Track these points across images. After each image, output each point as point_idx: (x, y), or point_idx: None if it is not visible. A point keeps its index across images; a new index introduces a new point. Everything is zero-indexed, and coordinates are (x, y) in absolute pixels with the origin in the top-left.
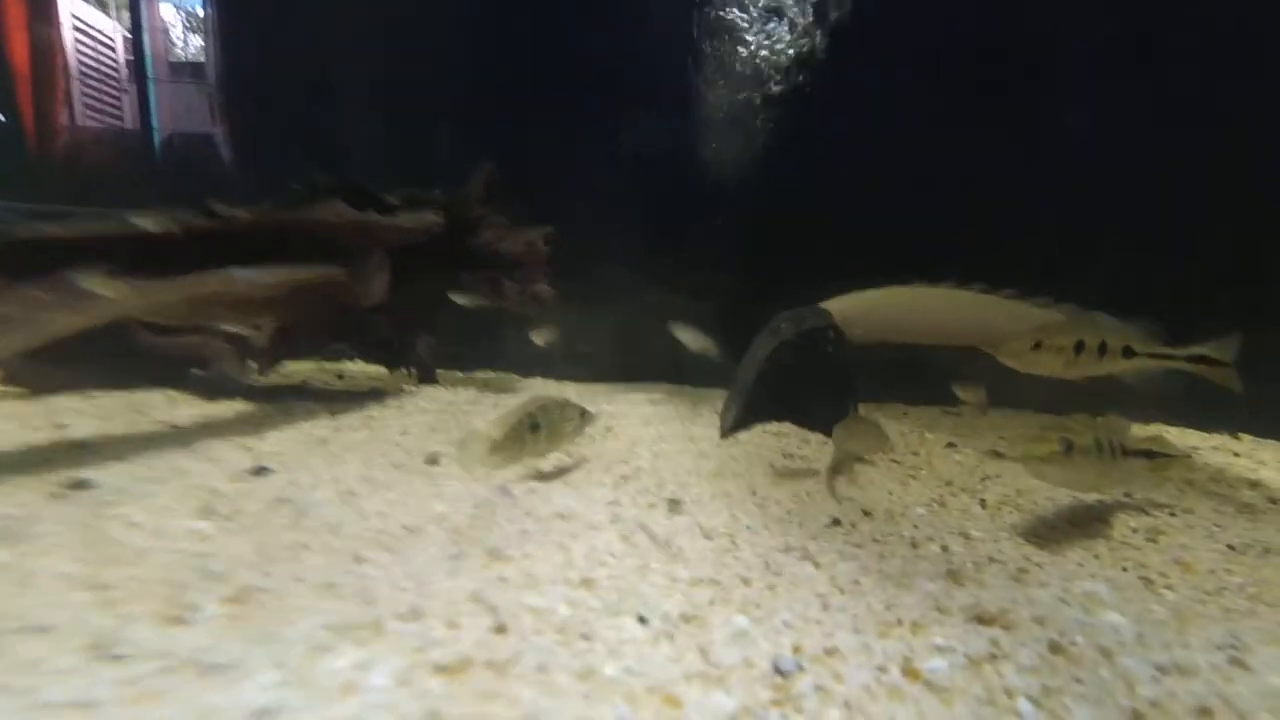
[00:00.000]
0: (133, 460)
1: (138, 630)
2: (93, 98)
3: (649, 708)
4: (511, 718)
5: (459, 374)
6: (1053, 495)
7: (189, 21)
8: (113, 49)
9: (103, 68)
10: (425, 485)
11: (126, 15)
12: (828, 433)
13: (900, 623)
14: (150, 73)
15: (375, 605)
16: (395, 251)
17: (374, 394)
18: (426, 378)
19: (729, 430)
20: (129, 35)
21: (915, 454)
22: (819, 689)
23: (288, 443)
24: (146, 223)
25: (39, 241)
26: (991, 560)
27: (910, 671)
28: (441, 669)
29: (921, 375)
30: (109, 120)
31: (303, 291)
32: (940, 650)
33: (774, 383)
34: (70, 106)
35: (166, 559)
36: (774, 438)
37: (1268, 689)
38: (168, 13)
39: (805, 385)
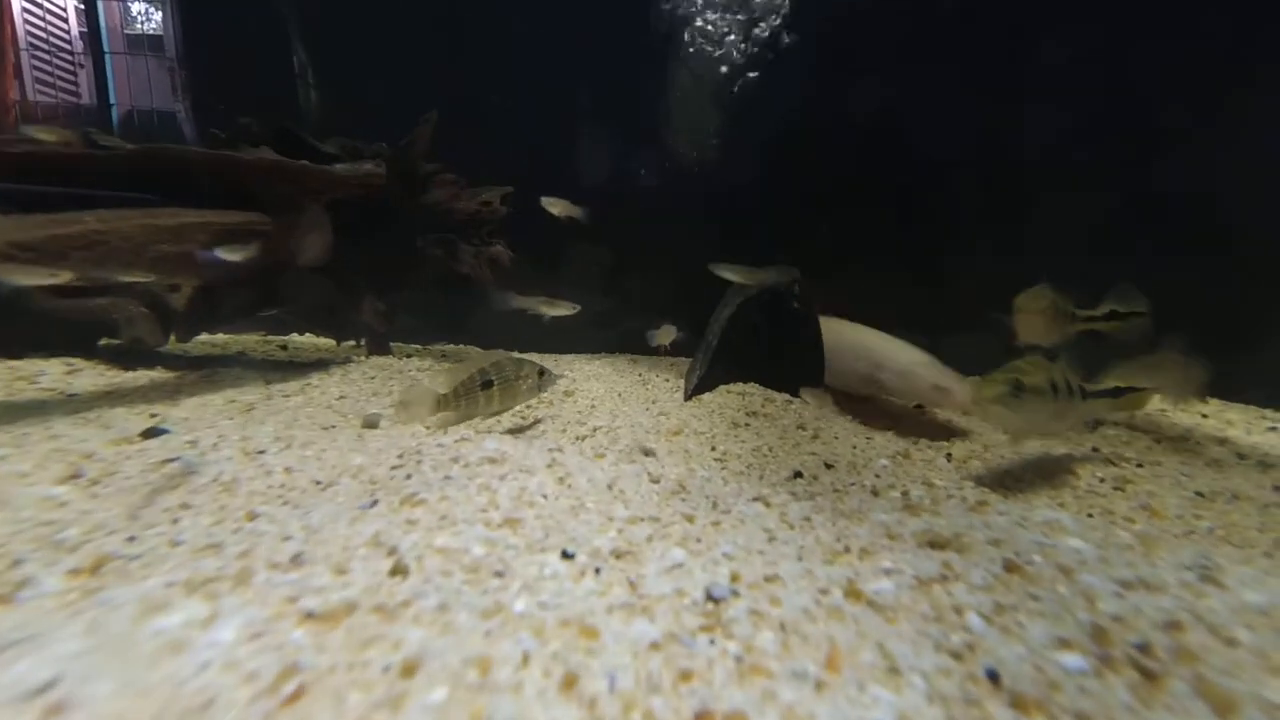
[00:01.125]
0: (3, 430)
1: None
2: (45, 72)
3: (559, 640)
4: (390, 663)
5: (416, 346)
6: (1021, 450)
7: None
8: (64, 20)
9: (54, 40)
10: (350, 442)
11: None
12: (793, 392)
13: (848, 550)
14: (105, 46)
15: (250, 558)
16: (337, 208)
17: (319, 364)
18: (378, 349)
19: (693, 392)
20: (81, 6)
21: (885, 414)
22: (753, 613)
23: (205, 409)
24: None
25: None
26: (950, 497)
27: (853, 593)
28: (312, 617)
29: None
30: (63, 96)
31: (163, 230)
32: (888, 573)
33: (738, 342)
34: (20, 80)
35: (3, 530)
36: (738, 397)
37: (1243, 605)
38: None
39: (770, 344)
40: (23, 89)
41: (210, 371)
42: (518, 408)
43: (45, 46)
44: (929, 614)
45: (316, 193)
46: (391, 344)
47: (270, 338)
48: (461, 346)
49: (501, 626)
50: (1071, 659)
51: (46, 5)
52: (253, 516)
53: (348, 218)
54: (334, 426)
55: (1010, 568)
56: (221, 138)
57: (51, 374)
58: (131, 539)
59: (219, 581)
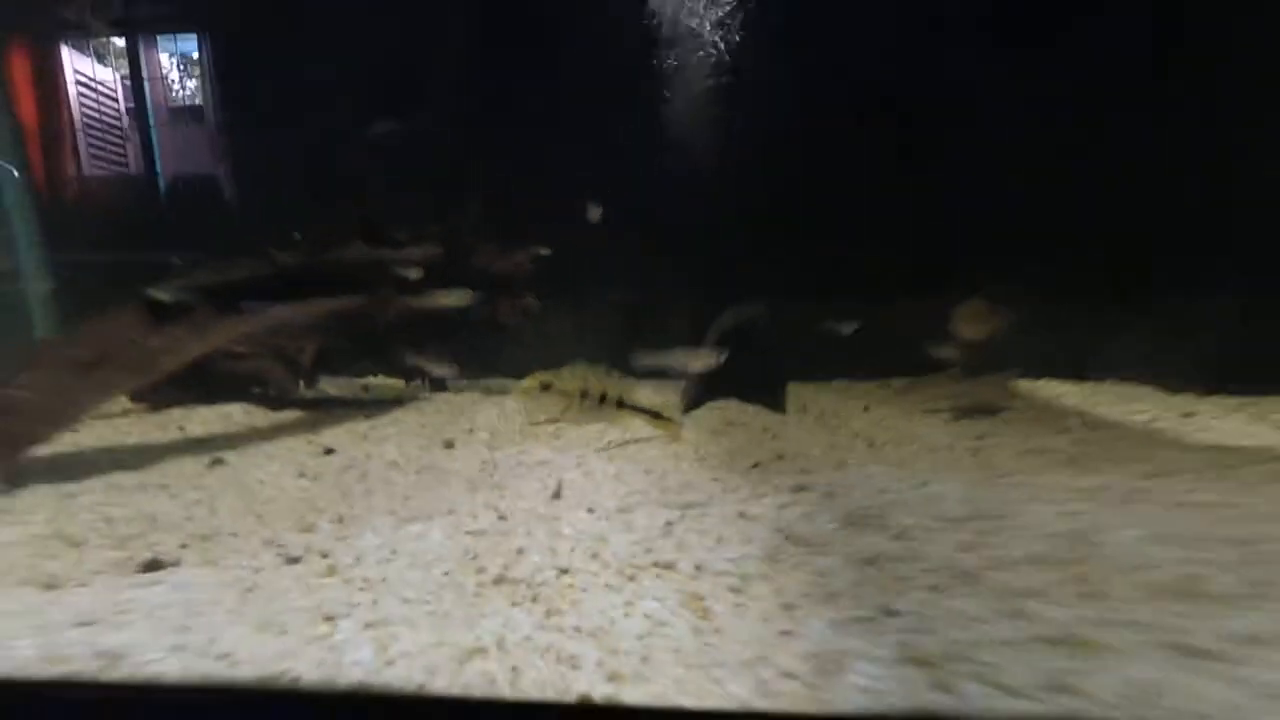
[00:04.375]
0: (241, 449)
1: (289, 536)
2: (98, 148)
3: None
4: (501, 555)
5: (463, 382)
6: (952, 440)
7: (185, 66)
8: (114, 99)
9: (105, 117)
10: (444, 457)
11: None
12: (763, 404)
13: (745, 511)
14: (151, 119)
15: (429, 519)
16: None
17: (396, 401)
18: (436, 386)
19: (687, 408)
20: (129, 83)
21: (836, 416)
22: (689, 528)
23: (339, 436)
24: (240, 270)
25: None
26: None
27: (743, 513)
28: (470, 533)
29: (864, 356)
30: (114, 167)
31: (334, 319)
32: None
33: (719, 367)
34: (77, 157)
35: (290, 501)
36: (720, 411)
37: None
38: (165, 59)
39: (743, 368)
40: (79, 166)
41: (328, 411)
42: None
43: (98, 126)
44: (779, 514)
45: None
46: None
47: (355, 380)
48: (496, 380)
49: (558, 535)
50: None
51: (97, 86)
52: (409, 498)
53: (413, 285)
54: (427, 447)
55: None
56: (299, 240)
57: (238, 414)
58: (351, 506)
59: (423, 521)
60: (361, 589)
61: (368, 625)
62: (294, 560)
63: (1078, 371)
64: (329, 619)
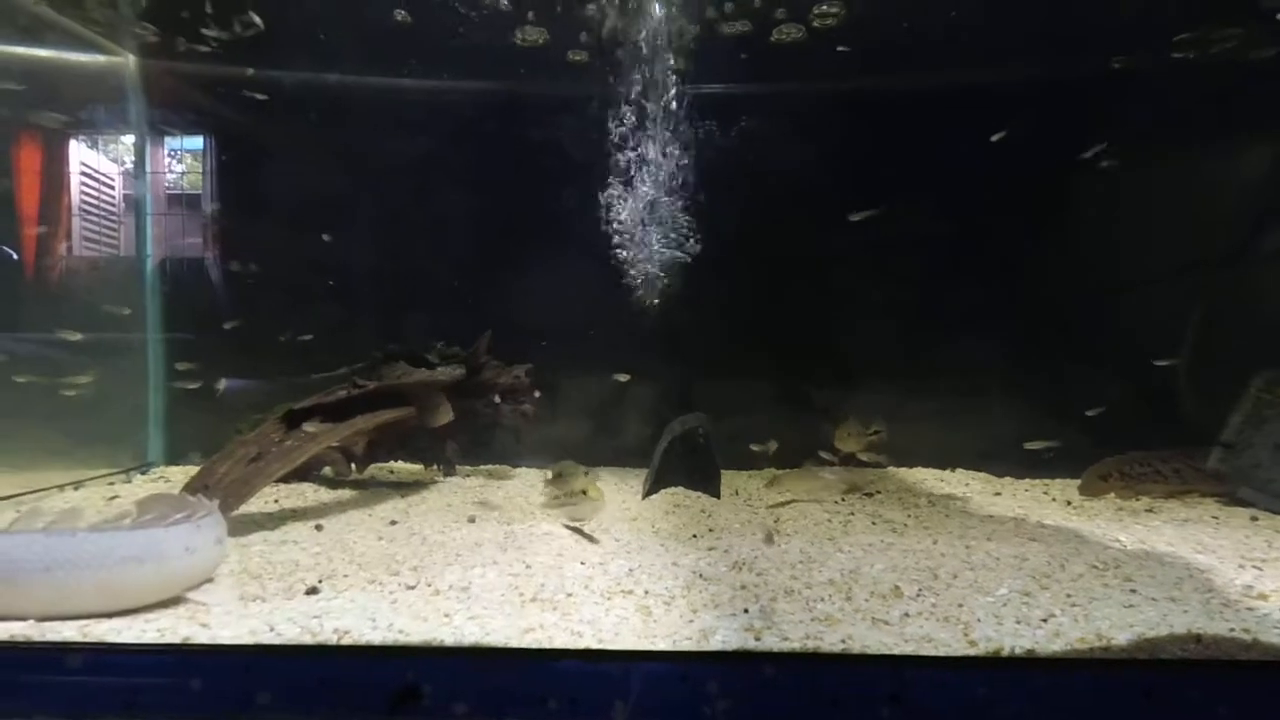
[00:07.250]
0: (328, 516)
1: (385, 577)
2: (91, 231)
3: (587, 580)
4: (532, 586)
5: (468, 468)
6: (830, 516)
7: (185, 161)
8: (110, 187)
9: (103, 206)
10: (472, 528)
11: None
12: (703, 491)
13: (677, 562)
14: (149, 207)
15: (483, 567)
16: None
17: (418, 484)
18: (449, 471)
19: (646, 494)
20: (129, 173)
21: (759, 498)
22: (645, 574)
23: (390, 510)
24: (341, 391)
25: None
26: (741, 538)
27: (690, 567)
28: (511, 574)
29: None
30: (105, 249)
31: (385, 423)
32: (703, 559)
33: (670, 463)
34: (69, 240)
35: (377, 555)
36: (670, 496)
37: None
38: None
39: (688, 464)
40: (70, 247)
41: (372, 490)
42: None
43: (94, 211)
44: (696, 563)
45: (435, 388)
46: (456, 465)
47: (381, 466)
48: (495, 466)
49: (564, 576)
50: None
51: (97, 175)
52: (460, 556)
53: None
54: (457, 520)
55: (737, 566)
56: (378, 358)
57: (311, 491)
58: (422, 559)
59: (477, 566)
60: (459, 601)
61: (470, 618)
62: (411, 588)
63: (940, 462)
64: (447, 615)
